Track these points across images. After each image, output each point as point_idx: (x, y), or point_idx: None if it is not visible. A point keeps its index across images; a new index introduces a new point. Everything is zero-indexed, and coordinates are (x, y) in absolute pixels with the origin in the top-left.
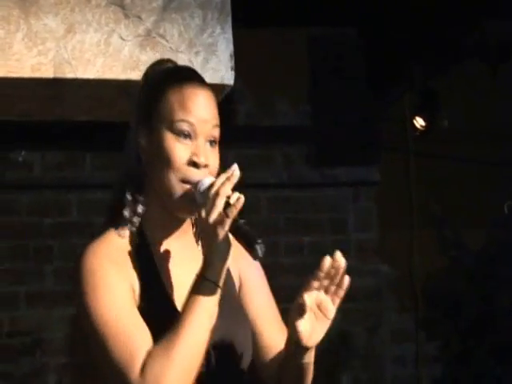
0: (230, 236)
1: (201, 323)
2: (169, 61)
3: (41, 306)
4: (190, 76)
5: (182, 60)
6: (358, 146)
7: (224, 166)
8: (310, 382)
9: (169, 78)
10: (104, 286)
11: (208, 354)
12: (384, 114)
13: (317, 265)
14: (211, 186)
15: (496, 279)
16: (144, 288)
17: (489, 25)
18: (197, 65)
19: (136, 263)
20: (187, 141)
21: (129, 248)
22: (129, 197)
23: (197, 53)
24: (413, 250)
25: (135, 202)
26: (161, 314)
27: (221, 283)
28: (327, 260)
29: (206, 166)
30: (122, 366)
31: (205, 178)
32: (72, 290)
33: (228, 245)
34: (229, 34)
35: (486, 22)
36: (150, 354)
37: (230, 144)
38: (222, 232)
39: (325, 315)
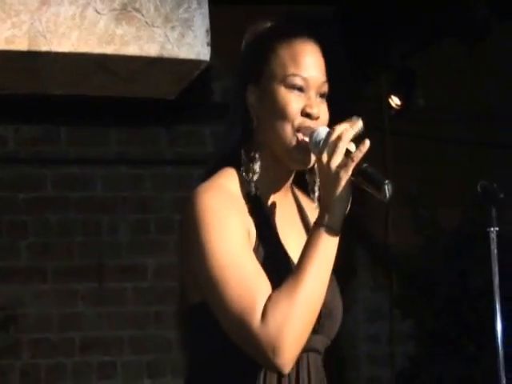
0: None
1: (321, 270)
2: (266, 22)
3: (15, 281)
4: (299, 31)
5: (158, 34)
6: (333, 123)
7: (198, 143)
8: None
9: (277, 34)
10: (224, 226)
11: (320, 311)
12: (360, 93)
13: None
14: (329, 134)
15: (470, 258)
16: (259, 235)
17: (465, 2)
18: (173, 40)
19: (250, 210)
20: (300, 93)
21: (241, 195)
22: (244, 156)
23: (173, 27)
24: (388, 228)
25: (251, 160)
26: (276, 263)
27: (339, 228)
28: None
29: (318, 117)
30: (241, 311)
31: (319, 127)
32: (184, 231)
33: (349, 192)
34: (205, 10)
35: (463, 1)
36: (271, 300)
37: (206, 121)
38: (346, 176)
39: None
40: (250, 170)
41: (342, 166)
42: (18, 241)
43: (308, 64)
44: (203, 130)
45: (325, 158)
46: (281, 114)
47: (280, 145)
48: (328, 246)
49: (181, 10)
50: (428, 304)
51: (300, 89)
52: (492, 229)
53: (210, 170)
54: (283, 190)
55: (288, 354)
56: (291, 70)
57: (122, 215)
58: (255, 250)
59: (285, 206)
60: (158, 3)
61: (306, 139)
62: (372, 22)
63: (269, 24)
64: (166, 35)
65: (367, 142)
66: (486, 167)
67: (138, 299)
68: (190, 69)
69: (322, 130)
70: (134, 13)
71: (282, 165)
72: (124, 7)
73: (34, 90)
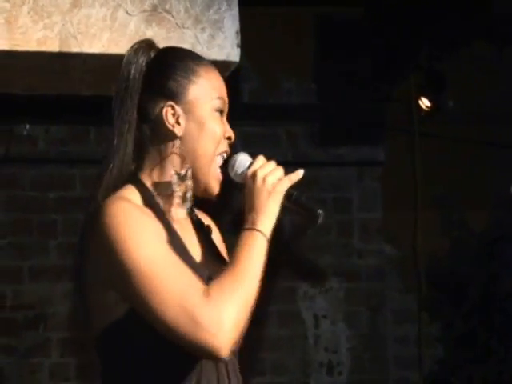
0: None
1: (257, 268)
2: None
3: (44, 280)
4: (201, 57)
5: (188, 36)
6: (363, 125)
7: (231, 145)
8: None
9: (191, 56)
10: (143, 230)
11: None
12: (390, 94)
13: (320, 244)
14: (256, 158)
15: (499, 260)
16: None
17: (496, 5)
18: (203, 41)
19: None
20: (220, 117)
21: (145, 207)
22: (174, 175)
23: (203, 29)
24: (416, 230)
25: (180, 178)
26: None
27: (268, 235)
28: None
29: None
30: (180, 292)
31: (238, 155)
32: (94, 244)
33: (278, 208)
34: (235, 11)
35: (494, 2)
36: (214, 283)
37: (235, 122)
38: (282, 190)
39: None
40: (185, 187)
41: (278, 182)
42: (47, 240)
43: (223, 87)
44: (232, 130)
45: (262, 173)
46: (208, 137)
47: (202, 166)
48: (261, 249)
49: (211, 12)
50: (456, 307)
51: (221, 111)
52: None
53: (109, 186)
54: (183, 213)
55: (229, 335)
56: (216, 92)
57: None
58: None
59: (188, 228)
60: (188, 5)
61: (223, 165)
62: (400, 24)
63: (166, 47)
64: (196, 36)
65: (301, 172)
66: None
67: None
68: (221, 70)
69: (242, 156)
70: (165, 14)
71: (200, 185)
72: (154, 8)
73: (64, 90)
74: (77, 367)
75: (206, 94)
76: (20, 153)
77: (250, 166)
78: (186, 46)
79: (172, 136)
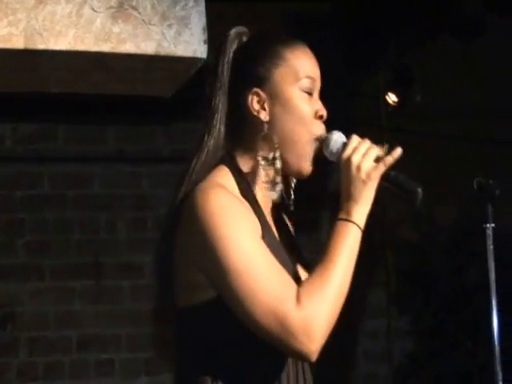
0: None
1: (349, 262)
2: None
3: (12, 279)
4: (292, 37)
5: (155, 32)
6: (330, 121)
7: (195, 140)
8: None
9: (276, 38)
10: (238, 222)
11: None
12: (358, 90)
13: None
14: (351, 138)
15: (467, 254)
16: (262, 235)
17: (461, 0)
18: (169, 38)
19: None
20: (309, 96)
21: (239, 194)
22: (261, 159)
23: (169, 25)
24: (385, 224)
25: (273, 161)
26: (281, 262)
27: (362, 226)
28: None
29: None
30: (274, 300)
31: (333, 134)
32: (186, 232)
33: (373, 193)
34: (202, 7)
35: None
36: (304, 287)
37: (200, 119)
38: (377, 178)
39: None
40: (272, 170)
41: (373, 168)
42: (15, 239)
43: (313, 65)
44: (200, 127)
45: (356, 159)
46: (297, 118)
47: (294, 148)
48: (354, 242)
49: (177, 8)
50: (425, 300)
51: (310, 90)
52: (488, 225)
53: (199, 169)
54: (270, 199)
55: (320, 340)
56: (303, 73)
57: (119, 213)
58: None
59: (269, 209)
60: (155, 1)
61: (319, 144)
62: (368, 19)
63: (255, 31)
64: (163, 33)
65: (399, 150)
66: (482, 164)
67: (135, 297)
68: (187, 67)
69: (337, 135)
70: (131, 11)
71: (292, 167)
72: (120, 5)
73: (31, 88)
74: (45, 366)
75: (291, 75)
76: None
77: (344, 146)
78: (152, 42)
79: (259, 122)
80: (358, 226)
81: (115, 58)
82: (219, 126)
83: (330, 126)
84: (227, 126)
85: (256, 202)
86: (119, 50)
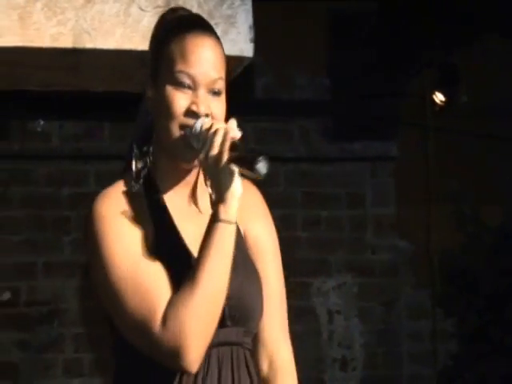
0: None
1: (219, 266)
2: (181, 9)
3: (58, 276)
4: (192, 25)
5: None
6: (376, 120)
7: (240, 139)
8: None
9: (172, 28)
10: (117, 233)
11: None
12: (403, 89)
13: (333, 239)
14: (201, 127)
15: None
16: (159, 236)
17: None
18: None
19: (149, 211)
20: (187, 90)
21: (141, 196)
22: (135, 150)
23: (216, 24)
24: (430, 225)
25: (142, 154)
26: (178, 262)
27: (231, 218)
28: None
29: (207, 115)
30: (142, 318)
31: (198, 120)
32: (84, 241)
33: (231, 176)
34: (248, 6)
35: None
36: (169, 304)
37: (248, 117)
38: (222, 165)
39: None
40: (137, 162)
41: (217, 158)
42: (61, 236)
43: (197, 60)
44: (245, 126)
45: (203, 152)
46: (167, 112)
47: (167, 141)
48: (222, 238)
49: (224, 7)
50: (470, 302)
51: (188, 86)
52: None
53: (119, 173)
54: (187, 187)
55: (191, 355)
56: (178, 66)
57: None
58: (156, 253)
59: (191, 203)
60: (202, 0)
61: (187, 134)
62: (413, 18)
63: (173, 15)
64: None
65: (231, 125)
66: None
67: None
68: (234, 65)
69: (198, 123)
70: None
71: (174, 162)
72: (167, 4)
73: (78, 86)
74: (91, 362)
75: (168, 68)
76: (34, 149)
77: (199, 135)
78: None
79: (149, 114)
80: (224, 220)
81: None
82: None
83: (378, 125)
84: (139, 120)
85: (157, 199)
86: None
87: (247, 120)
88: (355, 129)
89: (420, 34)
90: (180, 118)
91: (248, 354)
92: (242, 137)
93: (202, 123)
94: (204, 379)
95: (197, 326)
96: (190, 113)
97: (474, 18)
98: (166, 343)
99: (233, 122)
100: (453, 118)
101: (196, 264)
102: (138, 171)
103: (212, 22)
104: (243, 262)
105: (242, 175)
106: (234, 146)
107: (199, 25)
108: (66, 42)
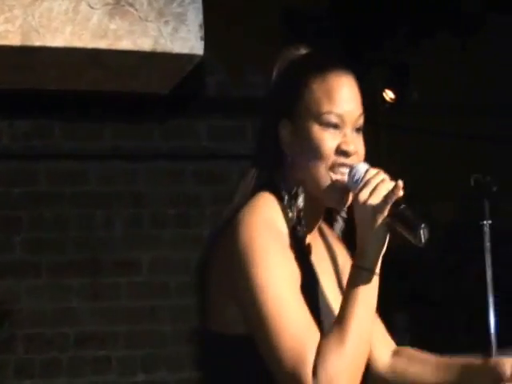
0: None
1: (364, 314)
2: (300, 47)
3: (9, 276)
4: (332, 64)
5: (152, 29)
6: None
7: (191, 137)
8: None
9: (311, 66)
10: (275, 264)
11: None
12: None
13: None
14: (367, 172)
15: (464, 252)
16: (302, 274)
17: None
18: (166, 34)
19: (291, 246)
20: (335, 131)
21: (285, 227)
22: (285, 192)
23: (166, 22)
24: None
25: (295, 196)
26: (315, 302)
27: (377, 271)
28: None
29: (355, 153)
30: (293, 364)
31: (358, 164)
32: (225, 259)
33: (385, 232)
34: (199, 4)
35: None
36: (320, 353)
37: (201, 115)
38: (381, 217)
39: None
40: (293, 206)
41: (378, 207)
42: (12, 236)
43: (343, 99)
44: (197, 123)
45: (362, 196)
46: (315, 152)
47: (315, 184)
48: (367, 288)
49: (174, 5)
50: (423, 298)
51: (335, 126)
52: (485, 222)
53: (241, 193)
54: (316, 227)
55: None
56: (326, 107)
57: (116, 210)
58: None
59: (317, 244)
60: None
61: (343, 178)
62: (364, 16)
63: (302, 51)
64: (160, 30)
65: (400, 184)
66: (479, 161)
67: (133, 294)
68: (184, 63)
69: (361, 167)
70: (128, 7)
71: (316, 202)
72: (117, 2)
73: (28, 85)
74: (42, 363)
75: (313, 108)
76: None
77: (360, 180)
78: (148, 39)
79: (286, 154)
80: (369, 269)
81: (112, 55)
82: (262, 153)
83: None
84: (266, 154)
85: (299, 237)
86: (116, 46)
87: (200, 118)
88: None
89: (370, 32)
90: (330, 158)
91: None
92: (403, 197)
93: (366, 168)
94: None
95: (346, 378)
96: (340, 152)
97: (424, 16)
98: None
99: (401, 185)
100: (403, 116)
101: (343, 313)
102: (296, 215)
103: (162, 20)
104: None
105: (393, 231)
106: (396, 204)
107: (337, 64)
108: (14, 39)
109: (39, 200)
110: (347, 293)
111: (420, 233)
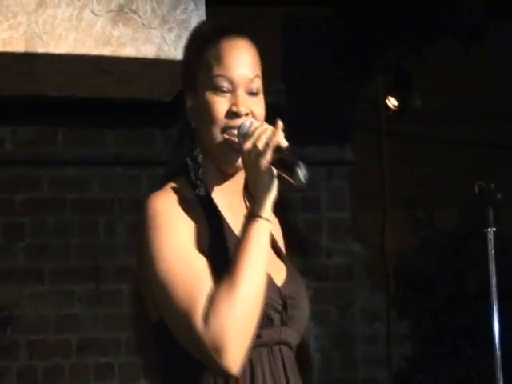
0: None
1: (257, 261)
2: (213, 20)
3: (12, 283)
4: (224, 30)
5: (155, 36)
6: (331, 125)
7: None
8: None
9: (206, 35)
10: (171, 228)
11: (284, 300)
12: (357, 94)
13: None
14: (251, 125)
15: (467, 258)
16: (212, 234)
17: (462, 4)
18: (169, 41)
19: (202, 212)
20: (226, 94)
21: (192, 198)
22: (191, 162)
23: (170, 29)
24: (385, 229)
25: (197, 165)
26: (229, 261)
27: (267, 215)
28: None
29: (247, 114)
30: (184, 313)
31: (246, 120)
32: (137, 237)
33: (271, 178)
34: (202, 11)
35: (460, 2)
36: (211, 299)
37: None
38: (264, 162)
39: None
40: (196, 173)
41: (261, 153)
42: (14, 242)
43: (233, 62)
44: None
45: (247, 145)
46: (208, 117)
47: (211, 147)
48: (257, 233)
49: (177, 12)
50: (425, 305)
51: (226, 90)
52: (489, 229)
53: (164, 180)
54: (233, 193)
55: (232, 355)
56: (216, 70)
57: (118, 216)
58: (208, 250)
59: (236, 210)
60: (155, 5)
61: (233, 139)
62: (367, 23)
63: (205, 26)
64: (163, 37)
65: (279, 125)
66: (483, 168)
67: (135, 300)
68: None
69: (247, 123)
70: (131, 14)
71: (219, 167)
72: (121, 9)
73: (31, 91)
74: (44, 370)
75: (207, 75)
76: None
77: (246, 133)
78: (152, 45)
79: (191, 124)
80: (260, 216)
81: (115, 62)
82: (180, 131)
83: (333, 129)
84: (181, 130)
85: (211, 203)
86: (119, 53)
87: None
88: (310, 133)
89: (373, 38)
90: (222, 120)
91: (293, 359)
92: (287, 147)
93: (250, 122)
94: (266, 375)
95: (238, 325)
96: (231, 114)
97: (427, 22)
98: (207, 340)
99: (280, 125)
100: (406, 123)
101: (235, 260)
102: (199, 177)
103: (166, 27)
104: (295, 269)
105: (279, 178)
106: (278, 150)
107: (231, 29)
108: (17, 46)
109: (42, 206)
110: (241, 240)
111: (298, 172)
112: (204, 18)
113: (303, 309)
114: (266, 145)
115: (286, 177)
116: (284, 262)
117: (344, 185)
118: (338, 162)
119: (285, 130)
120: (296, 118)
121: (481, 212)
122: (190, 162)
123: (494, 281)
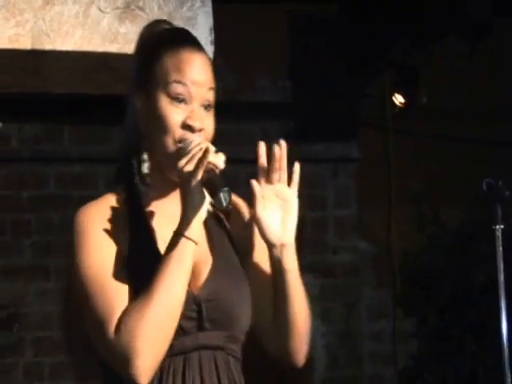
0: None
1: (175, 279)
2: (165, 22)
3: (18, 279)
4: (186, 39)
5: None
6: (337, 122)
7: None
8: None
9: (165, 40)
10: (91, 246)
11: (199, 305)
12: (364, 91)
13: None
14: (191, 142)
15: (473, 256)
16: (135, 245)
17: (468, 1)
18: None
19: (129, 222)
20: (182, 105)
21: (123, 206)
22: (135, 163)
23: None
24: (391, 226)
25: (140, 163)
26: (151, 269)
27: (193, 236)
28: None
29: (200, 130)
30: (99, 324)
31: (192, 137)
32: (67, 250)
33: (201, 198)
34: (208, 8)
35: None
36: (124, 312)
37: None
38: (194, 182)
39: (286, 200)
40: (139, 172)
41: (191, 172)
42: (21, 239)
43: (191, 72)
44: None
45: (180, 164)
46: (161, 126)
47: (161, 154)
48: (179, 253)
49: (184, 9)
50: (431, 302)
51: (182, 100)
52: (497, 226)
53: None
54: (174, 199)
55: (140, 365)
56: (174, 75)
57: None
58: (129, 261)
59: (177, 216)
60: (162, 2)
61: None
62: (374, 20)
63: (161, 27)
64: None
65: (210, 148)
66: (490, 165)
67: None
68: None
69: (189, 141)
70: (138, 11)
71: (165, 173)
72: (127, 5)
73: (37, 88)
74: (51, 366)
75: (162, 78)
76: None
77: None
78: None
79: (139, 123)
80: (181, 235)
81: (122, 59)
82: (127, 130)
83: (339, 127)
84: (128, 129)
85: (141, 215)
86: (126, 50)
87: None
88: (316, 130)
89: (379, 36)
90: (176, 132)
91: (232, 360)
92: (221, 170)
93: (192, 139)
94: (184, 382)
95: (148, 335)
96: (186, 127)
97: (433, 19)
98: (118, 349)
99: (212, 149)
100: (413, 120)
101: (155, 276)
102: (144, 175)
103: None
104: (229, 267)
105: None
106: (211, 171)
107: (191, 40)
108: (24, 43)
109: (48, 203)
110: (163, 256)
111: (220, 196)
112: (211, 15)
113: (229, 307)
114: (197, 165)
115: (210, 197)
116: (224, 257)
117: (350, 182)
118: (344, 159)
119: (291, 128)
120: (302, 116)
121: (488, 209)
122: (135, 166)
123: (501, 278)
